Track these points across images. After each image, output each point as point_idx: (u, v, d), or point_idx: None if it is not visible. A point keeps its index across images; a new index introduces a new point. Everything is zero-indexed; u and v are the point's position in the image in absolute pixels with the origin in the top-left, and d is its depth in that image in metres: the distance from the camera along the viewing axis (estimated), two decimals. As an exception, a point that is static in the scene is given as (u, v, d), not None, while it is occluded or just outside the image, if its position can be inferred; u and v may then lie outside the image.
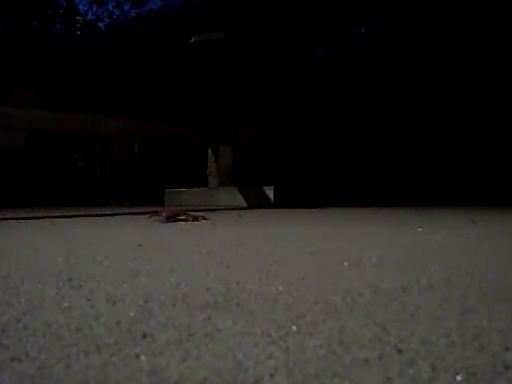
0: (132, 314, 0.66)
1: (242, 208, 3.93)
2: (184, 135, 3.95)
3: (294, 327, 0.59)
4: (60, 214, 3.13)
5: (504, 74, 5.30)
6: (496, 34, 5.37)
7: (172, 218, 2.41)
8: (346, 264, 1.05)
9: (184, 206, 3.67)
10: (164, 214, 2.42)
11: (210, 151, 4.56)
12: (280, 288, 0.81)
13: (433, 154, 5.60)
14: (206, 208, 3.77)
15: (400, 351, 0.51)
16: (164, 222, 2.35)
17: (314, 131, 5.75)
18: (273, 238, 1.62)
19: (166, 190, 4.83)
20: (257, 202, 4.14)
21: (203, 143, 4.53)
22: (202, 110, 4.32)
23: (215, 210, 3.68)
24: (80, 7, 7.19)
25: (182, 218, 2.45)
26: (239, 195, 4.28)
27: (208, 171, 4.55)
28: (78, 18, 7.11)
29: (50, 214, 3.10)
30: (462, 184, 5.32)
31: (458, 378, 0.44)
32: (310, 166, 5.68)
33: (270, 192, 4.17)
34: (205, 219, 2.49)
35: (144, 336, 0.57)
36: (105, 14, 7.21)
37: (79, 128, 3.36)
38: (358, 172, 5.71)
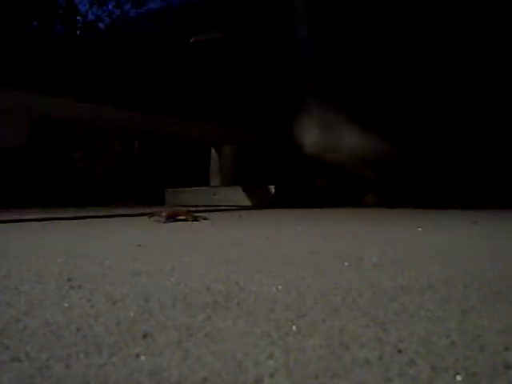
0: (132, 314, 0.66)
1: (243, 207, 3.93)
2: (188, 134, 3.96)
3: (294, 327, 0.59)
4: (60, 214, 3.13)
5: (505, 75, 5.30)
6: (497, 33, 5.37)
7: (172, 218, 2.42)
8: (346, 264, 1.05)
9: (185, 206, 3.67)
10: (164, 214, 2.42)
11: (213, 150, 4.56)
12: (280, 288, 0.81)
13: (432, 154, 5.60)
14: (207, 208, 3.77)
15: (400, 351, 0.51)
16: (164, 222, 2.35)
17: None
18: (273, 238, 1.62)
19: (167, 189, 4.83)
20: (258, 201, 4.14)
21: (207, 143, 4.53)
22: (206, 109, 4.32)
23: (216, 209, 3.68)
24: (80, 7, 7.19)
25: (182, 217, 2.45)
26: (240, 195, 4.28)
27: (210, 170, 4.56)
28: (78, 17, 7.11)
29: (49, 214, 3.10)
30: (461, 184, 5.32)
31: (458, 377, 0.44)
32: (311, 166, 5.68)
33: (270, 191, 4.18)
34: (205, 219, 2.49)
35: (144, 336, 0.57)
36: (105, 14, 7.21)
37: (86, 117, 3.36)
38: (357, 172, 5.71)
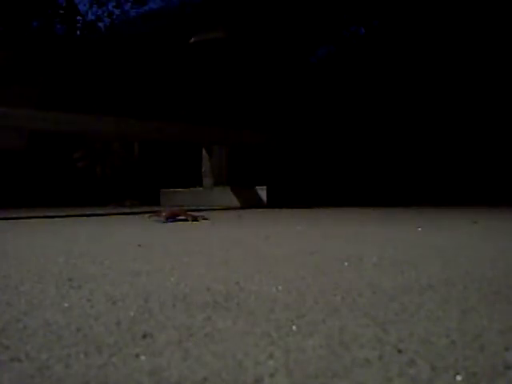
0: (132, 314, 0.66)
1: (236, 208, 3.93)
2: (179, 135, 3.94)
3: (294, 327, 0.59)
4: (60, 214, 3.13)
5: (504, 74, 5.30)
6: (496, 33, 5.37)
7: (172, 218, 2.42)
8: (346, 264, 1.05)
9: (179, 206, 3.68)
10: (164, 214, 2.42)
11: (204, 151, 4.55)
12: (280, 288, 0.81)
13: (432, 153, 5.60)
14: (203, 208, 3.77)
15: (400, 351, 0.51)
16: (164, 222, 2.35)
17: (309, 131, 5.75)
18: (273, 238, 1.62)
19: (162, 190, 4.83)
20: (251, 201, 4.13)
21: (198, 143, 4.52)
22: (197, 109, 4.32)
23: (213, 210, 3.68)
24: (80, 7, 7.19)
25: (181, 217, 2.45)
26: (233, 195, 4.27)
27: (203, 171, 4.55)
28: (79, 17, 7.11)
29: (49, 214, 3.10)
30: (461, 184, 5.32)
31: (458, 377, 0.44)
32: (305, 166, 5.68)
33: (263, 192, 4.17)
34: (204, 219, 2.49)
35: (144, 336, 0.57)
36: (105, 14, 7.21)
37: (78, 128, 3.36)
38: (354, 171, 5.71)
